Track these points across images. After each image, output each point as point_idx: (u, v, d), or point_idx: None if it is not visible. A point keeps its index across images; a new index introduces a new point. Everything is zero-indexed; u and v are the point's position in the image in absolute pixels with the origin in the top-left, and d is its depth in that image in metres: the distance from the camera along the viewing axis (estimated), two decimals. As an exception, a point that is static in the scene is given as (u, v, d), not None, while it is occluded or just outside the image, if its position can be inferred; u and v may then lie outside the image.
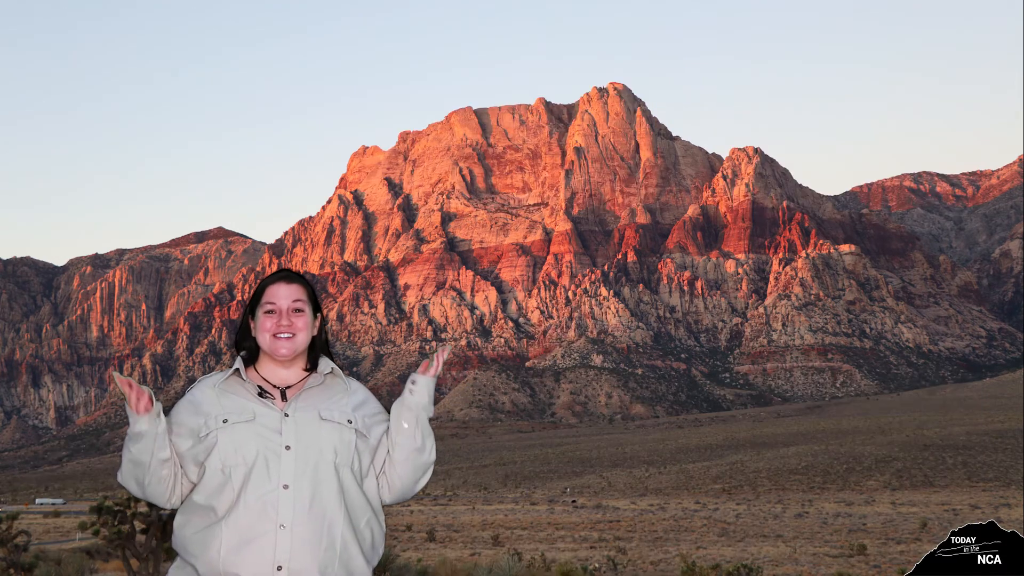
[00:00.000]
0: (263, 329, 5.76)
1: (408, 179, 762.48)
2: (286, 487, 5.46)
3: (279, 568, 5.37)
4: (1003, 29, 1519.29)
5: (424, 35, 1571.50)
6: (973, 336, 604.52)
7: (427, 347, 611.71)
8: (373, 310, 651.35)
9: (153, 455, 5.52)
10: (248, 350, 5.88)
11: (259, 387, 5.75)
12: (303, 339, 5.79)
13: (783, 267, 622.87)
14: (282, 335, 5.74)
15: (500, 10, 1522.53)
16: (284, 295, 5.81)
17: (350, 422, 5.74)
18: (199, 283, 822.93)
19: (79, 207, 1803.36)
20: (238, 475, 5.47)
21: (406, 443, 5.98)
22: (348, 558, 5.58)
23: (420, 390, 6.11)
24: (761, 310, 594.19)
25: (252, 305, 5.88)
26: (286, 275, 5.92)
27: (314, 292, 5.98)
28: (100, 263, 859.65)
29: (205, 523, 5.51)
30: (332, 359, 6.01)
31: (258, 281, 5.91)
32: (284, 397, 5.75)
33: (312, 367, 5.90)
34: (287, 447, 5.54)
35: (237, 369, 5.80)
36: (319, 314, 5.96)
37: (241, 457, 5.49)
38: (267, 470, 5.47)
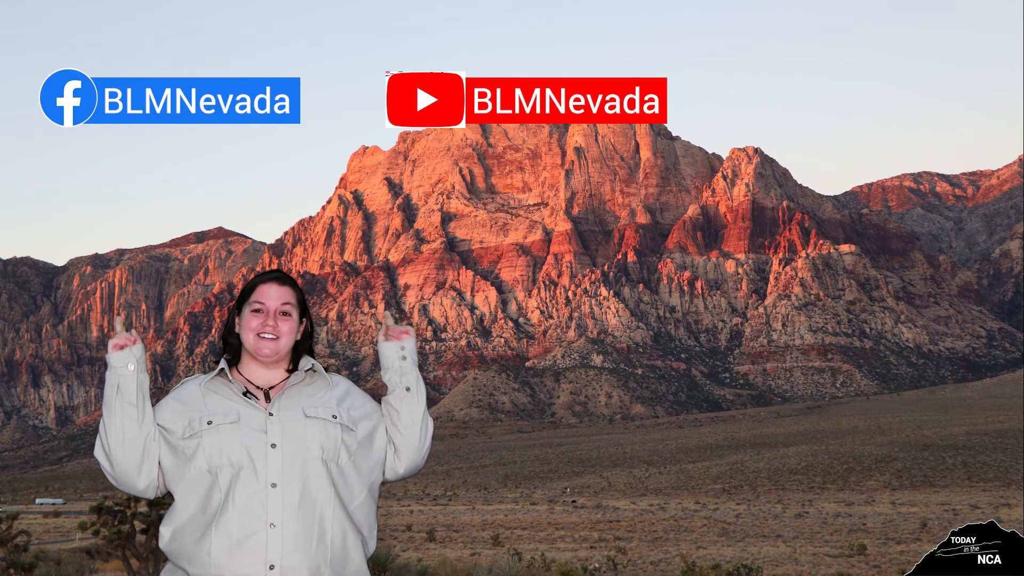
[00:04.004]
0: (248, 327, 5.72)
1: (408, 179, 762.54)
2: (274, 485, 5.43)
3: (271, 567, 5.34)
4: (1003, 29, 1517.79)
5: (423, 35, 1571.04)
6: (973, 336, 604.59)
7: (427, 347, 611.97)
8: (373, 310, 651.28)
9: (139, 394, 5.50)
10: (231, 348, 5.83)
11: (244, 388, 5.69)
12: (286, 343, 5.75)
13: (783, 267, 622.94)
14: (266, 335, 5.69)
15: (500, 10, 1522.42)
16: (274, 296, 5.77)
17: (335, 417, 5.66)
18: (199, 283, 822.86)
19: (79, 207, 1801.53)
20: (225, 476, 5.43)
21: (412, 408, 5.88)
22: (343, 552, 5.53)
23: (409, 350, 5.95)
24: (761, 310, 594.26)
25: (240, 301, 5.84)
26: (278, 276, 5.88)
27: (303, 297, 5.94)
28: (100, 263, 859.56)
29: (194, 527, 5.45)
30: (314, 358, 5.93)
31: (250, 278, 5.83)
32: (268, 398, 5.70)
33: (295, 368, 5.84)
34: (273, 445, 5.51)
35: (222, 369, 5.74)
36: (305, 319, 5.90)
37: (227, 458, 5.45)
38: (254, 470, 5.44)
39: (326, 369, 5.89)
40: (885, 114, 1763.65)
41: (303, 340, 5.88)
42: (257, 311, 5.73)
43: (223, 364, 5.77)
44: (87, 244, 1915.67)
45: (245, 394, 5.66)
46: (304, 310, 5.90)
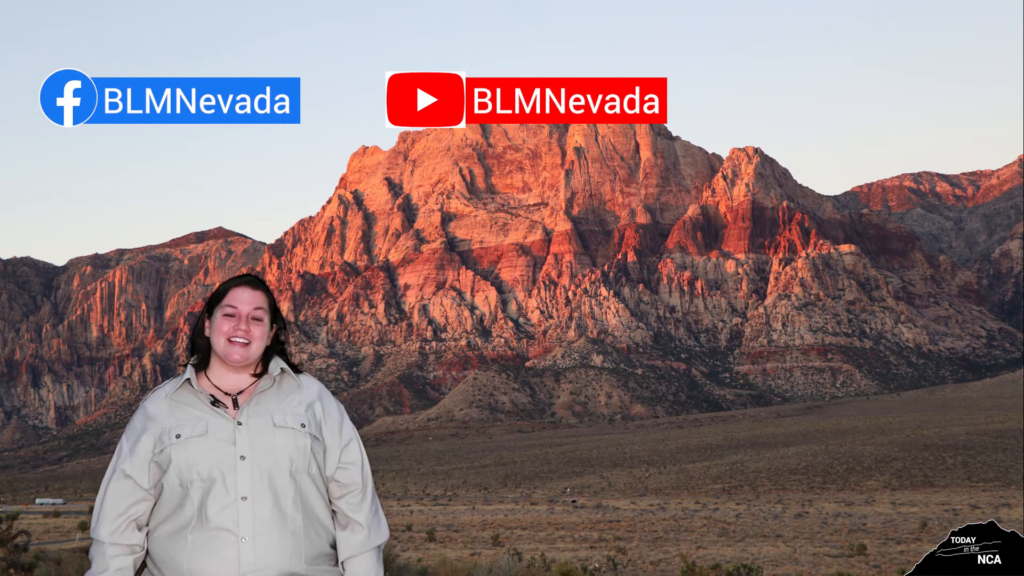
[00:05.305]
0: (219, 331, 5.67)
1: (408, 179, 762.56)
2: (245, 499, 5.42)
3: None
4: (1003, 29, 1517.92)
5: (423, 35, 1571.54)
6: (973, 336, 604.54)
7: (427, 347, 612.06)
8: (373, 310, 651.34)
9: None
10: (200, 350, 5.81)
11: (212, 396, 5.65)
12: (257, 348, 5.71)
13: (783, 267, 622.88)
14: (237, 339, 5.65)
15: (500, 10, 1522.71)
16: (246, 300, 5.74)
17: (304, 426, 5.64)
18: (199, 283, 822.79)
19: (79, 207, 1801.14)
20: (196, 491, 5.43)
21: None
22: (316, 562, 5.58)
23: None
24: (761, 310, 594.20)
25: (211, 304, 5.79)
26: (251, 281, 5.88)
27: (275, 302, 5.93)
28: (100, 263, 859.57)
29: (169, 535, 5.48)
30: (287, 362, 5.93)
31: (221, 282, 5.94)
32: (236, 404, 5.66)
33: (264, 370, 5.81)
34: (242, 457, 5.49)
35: (188, 378, 5.71)
36: (275, 324, 5.89)
37: (196, 473, 5.44)
38: (224, 484, 5.43)
39: (297, 371, 5.91)
40: (885, 114, 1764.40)
41: (273, 345, 5.86)
42: (229, 315, 5.70)
43: (189, 372, 5.75)
44: (87, 244, 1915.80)
45: (213, 403, 5.63)
46: (276, 316, 5.89)
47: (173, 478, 5.47)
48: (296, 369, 5.92)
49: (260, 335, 5.72)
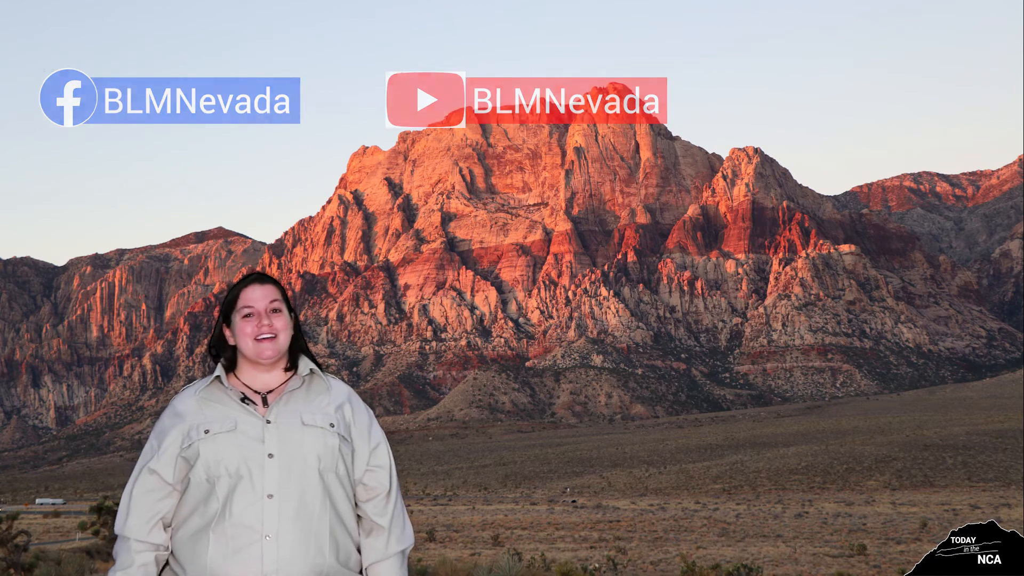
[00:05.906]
0: (244, 334, 5.67)
1: (408, 179, 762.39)
2: (271, 496, 5.40)
3: None
4: (1003, 29, 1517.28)
5: (423, 35, 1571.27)
6: (973, 336, 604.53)
7: (427, 347, 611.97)
8: (373, 310, 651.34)
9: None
10: (226, 359, 5.80)
11: (241, 393, 5.65)
12: (285, 339, 5.71)
13: (783, 267, 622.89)
14: (264, 336, 5.65)
15: (500, 10, 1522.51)
16: (260, 296, 5.72)
17: (332, 425, 5.62)
18: (199, 283, 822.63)
19: (79, 207, 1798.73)
20: (222, 486, 5.42)
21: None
22: (340, 562, 5.55)
23: None
24: (761, 310, 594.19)
25: (226, 312, 5.77)
26: (258, 277, 5.86)
27: (286, 293, 5.91)
28: (100, 263, 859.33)
29: (192, 533, 5.46)
30: (312, 358, 5.88)
31: (228, 287, 5.96)
32: (266, 402, 5.67)
33: (292, 368, 5.80)
34: (270, 455, 5.47)
35: (218, 376, 5.71)
36: (292, 314, 5.88)
37: (224, 468, 5.44)
38: (251, 480, 5.42)
39: (325, 371, 5.89)
40: (885, 114, 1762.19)
41: (296, 336, 5.85)
42: (248, 315, 5.68)
43: (219, 371, 5.74)
44: (87, 244, 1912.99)
45: (243, 400, 5.63)
46: (290, 307, 5.88)
47: (200, 472, 5.45)
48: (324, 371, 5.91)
49: (284, 326, 5.72)
